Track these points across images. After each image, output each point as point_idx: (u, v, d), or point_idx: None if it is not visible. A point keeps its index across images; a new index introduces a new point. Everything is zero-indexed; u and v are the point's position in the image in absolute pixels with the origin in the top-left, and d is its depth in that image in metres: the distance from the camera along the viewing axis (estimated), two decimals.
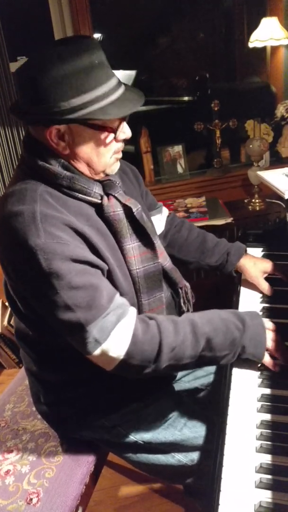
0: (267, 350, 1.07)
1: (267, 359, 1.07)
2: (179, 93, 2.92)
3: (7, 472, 1.24)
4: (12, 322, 2.41)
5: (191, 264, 1.45)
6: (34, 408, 1.36)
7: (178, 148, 2.76)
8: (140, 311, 1.14)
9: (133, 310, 1.04)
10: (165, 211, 1.49)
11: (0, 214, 0.99)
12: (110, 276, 1.06)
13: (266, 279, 1.38)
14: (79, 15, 2.36)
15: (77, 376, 1.16)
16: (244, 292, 1.39)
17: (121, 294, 1.07)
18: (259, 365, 1.09)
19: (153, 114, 2.92)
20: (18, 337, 1.22)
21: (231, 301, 1.37)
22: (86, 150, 1.03)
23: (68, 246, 0.95)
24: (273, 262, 1.41)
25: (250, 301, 1.35)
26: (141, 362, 1.00)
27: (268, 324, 1.11)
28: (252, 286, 1.39)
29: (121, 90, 1.02)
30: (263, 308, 1.31)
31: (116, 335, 0.98)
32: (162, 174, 2.79)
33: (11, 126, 2.44)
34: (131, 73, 2.78)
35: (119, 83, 1.03)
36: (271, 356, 1.08)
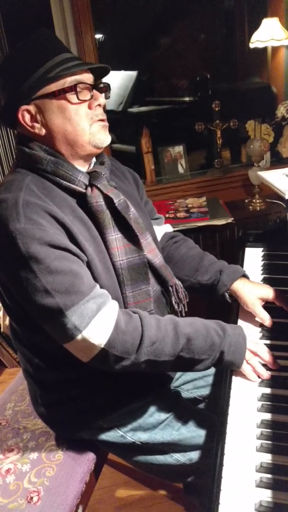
0: (246, 360, 1.06)
1: (246, 369, 1.05)
2: (180, 94, 2.93)
3: (8, 470, 1.25)
4: None
5: (184, 283, 1.33)
6: None
7: (179, 149, 2.76)
8: (124, 303, 1.13)
9: (114, 302, 1.05)
10: (166, 227, 1.48)
11: None
12: (89, 268, 1.06)
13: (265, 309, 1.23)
14: (81, 16, 2.36)
15: (72, 376, 1.16)
16: (241, 325, 1.21)
17: (101, 287, 1.06)
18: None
19: (154, 115, 2.92)
20: (14, 337, 1.22)
21: None
22: (58, 121, 1.05)
23: (47, 232, 0.97)
24: (275, 289, 1.24)
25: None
26: (121, 353, 0.99)
27: (252, 337, 1.11)
28: (251, 319, 1.23)
29: (78, 61, 1.07)
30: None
31: (98, 322, 0.98)
32: (163, 174, 2.79)
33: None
34: (132, 74, 2.78)
35: (76, 57, 1.09)
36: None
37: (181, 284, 1.29)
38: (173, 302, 1.27)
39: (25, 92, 1.03)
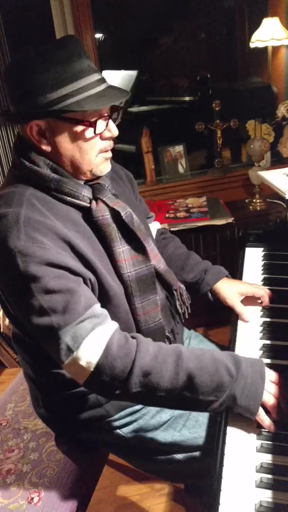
0: (262, 405, 0.94)
1: (262, 416, 0.93)
2: (180, 93, 2.92)
3: (8, 471, 1.25)
4: None
5: None
6: None
7: (179, 148, 2.76)
8: (134, 314, 1.12)
9: (113, 324, 1.01)
10: (156, 224, 1.49)
11: None
12: (99, 280, 1.04)
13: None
14: (80, 15, 2.36)
15: (73, 380, 1.16)
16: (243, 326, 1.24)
17: (112, 297, 1.06)
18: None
19: (154, 114, 2.92)
20: (14, 341, 1.22)
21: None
22: (67, 146, 1.02)
23: (48, 251, 0.94)
24: (255, 286, 1.30)
25: (248, 337, 1.19)
26: (111, 379, 0.94)
27: (270, 374, 0.98)
28: (251, 322, 1.24)
29: (103, 86, 1.01)
30: (263, 346, 1.15)
31: (89, 343, 0.94)
32: (163, 174, 2.79)
33: (12, 126, 2.44)
34: (133, 73, 2.78)
35: (102, 80, 1.02)
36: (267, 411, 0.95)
37: (183, 287, 1.30)
38: (177, 306, 1.27)
39: (42, 109, 0.96)
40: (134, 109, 2.86)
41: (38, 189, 1.02)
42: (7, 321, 2.44)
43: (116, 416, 1.19)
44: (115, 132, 1.06)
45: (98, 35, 2.62)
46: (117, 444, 1.22)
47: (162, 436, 1.18)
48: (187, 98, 2.92)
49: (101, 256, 1.07)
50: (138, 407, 1.19)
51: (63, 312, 0.94)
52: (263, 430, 0.93)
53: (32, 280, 0.93)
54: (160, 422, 1.19)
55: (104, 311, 1.01)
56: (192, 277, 1.34)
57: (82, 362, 0.94)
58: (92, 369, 0.94)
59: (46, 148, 1.02)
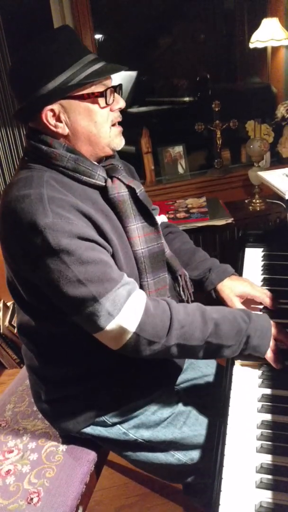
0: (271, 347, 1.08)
1: (269, 355, 1.07)
2: (180, 94, 2.93)
3: (8, 472, 1.24)
4: (13, 322, 2.41)
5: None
6: (34, 408, 1.37)
7: (178, 149, 2.76)
8: (145, 291, 1.15)
9: (141, 290, 1.07)
10: (161, 218, 1.50)
11: (5, 199, 1.02)
12: (113, 258, 1.08)
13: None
14: (80, 16, 2.36)
15: (78, 371, 1.17)
16: None
17: None
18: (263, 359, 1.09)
19: (154, 115, 2.93)
20: (21, 332, 1.23)
21: None
22: (83, 123, 1.06)
23: (75, 225, 0.98)
24: (256, 286, 1.30)
25: None
26: (152, 336, 1.01)
27: (273, 323, 1.12)
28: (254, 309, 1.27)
29: (102, 62, 1.08)
30: None
31: (129, 307, 1.00)
32: (163, 174, 2.79)
33: (12, 126, 2.44)
34: (132, 74, 2.78)
35: (98, 58, 1.09)
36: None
37: (187, 274, 1.32)
38: (181, 291, 1.30)
39: (53, 92, 1.02)
40: (134, 109, 2.87)
41: (54, 171, 1.06)
42: (7, 322, 2.44)
43: (118, 411, 1.19)
44: (122, 103, 1.12)
45: (98, 36, 2.63)
46: (118, 440, 1.22)
47: (163, 433, 1.19)
48: (186, 99, 2.92)
49: (119, 233, 1.12)
50: (140, 402, 1.20)
51: (101, 281, 0.98)
52: (263, 430, 0.93)
53: (66, 253, 0.96)
54: (161, 418, 1.19)
55: (132, 279, 1.06)
56: (197, 274, 1.35)
57: (125, 325, 0.99)
58: (134, 330, 1.00)
59: (63, 131, 1.06)
